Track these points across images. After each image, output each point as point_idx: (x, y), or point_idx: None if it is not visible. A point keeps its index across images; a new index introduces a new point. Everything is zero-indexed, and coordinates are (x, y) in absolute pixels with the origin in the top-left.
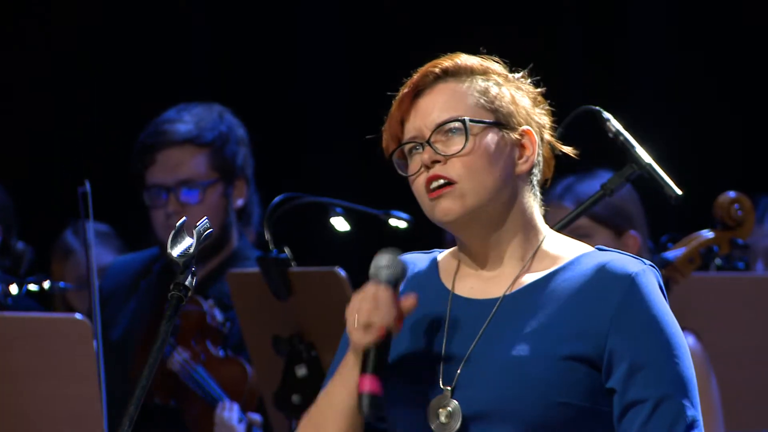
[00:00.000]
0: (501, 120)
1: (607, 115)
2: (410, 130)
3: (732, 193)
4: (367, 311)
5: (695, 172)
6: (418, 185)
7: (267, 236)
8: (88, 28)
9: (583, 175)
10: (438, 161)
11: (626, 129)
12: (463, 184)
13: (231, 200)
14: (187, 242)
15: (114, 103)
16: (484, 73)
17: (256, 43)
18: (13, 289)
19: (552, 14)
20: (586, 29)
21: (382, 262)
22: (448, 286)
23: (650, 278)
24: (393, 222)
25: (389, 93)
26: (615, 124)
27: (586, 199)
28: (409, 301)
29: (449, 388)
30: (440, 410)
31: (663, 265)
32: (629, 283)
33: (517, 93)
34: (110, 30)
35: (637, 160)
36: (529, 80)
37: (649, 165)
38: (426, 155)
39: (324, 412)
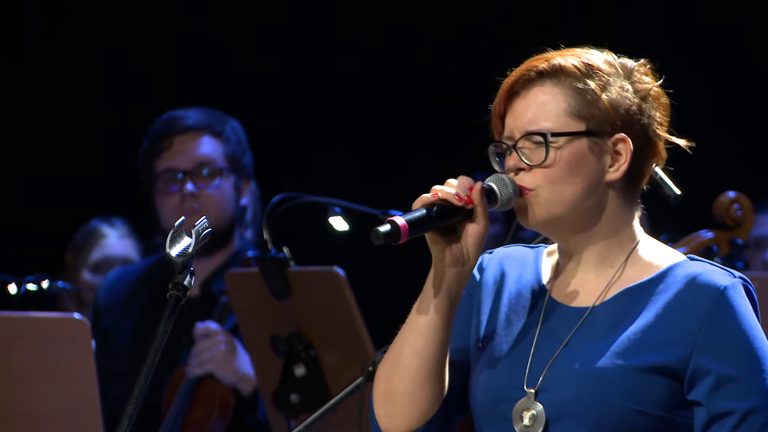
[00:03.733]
0: (592, 128)
1: None
2: (506, 128)
3: (732, 193)
4: (447, 181)
5: (694, 172)
6: None
7: (266, 236)
8: (87, 29)
9: None
10: (522, 169)
11: None
12: (541, 194)
13: (240, 194)
14: (186, 242)
15: (113, 104)
16: (586, 74)
17: (256, 43)
18: (12, 288)
19: (552, 14)
20: (586, 29)
21: (504, 178)
22: (547, 285)
23: (739, 291)
24: None
25: (498, 78)
26: None
27: None
28: (477, 191)
29: (533, 390)
30: (524, 412)
31: None
32: (718, 296)
33: (622, 93)
34: (108, 32)
35: None
36: (647, 68)
37: None
38: (512, 162)
39: (403, 335)
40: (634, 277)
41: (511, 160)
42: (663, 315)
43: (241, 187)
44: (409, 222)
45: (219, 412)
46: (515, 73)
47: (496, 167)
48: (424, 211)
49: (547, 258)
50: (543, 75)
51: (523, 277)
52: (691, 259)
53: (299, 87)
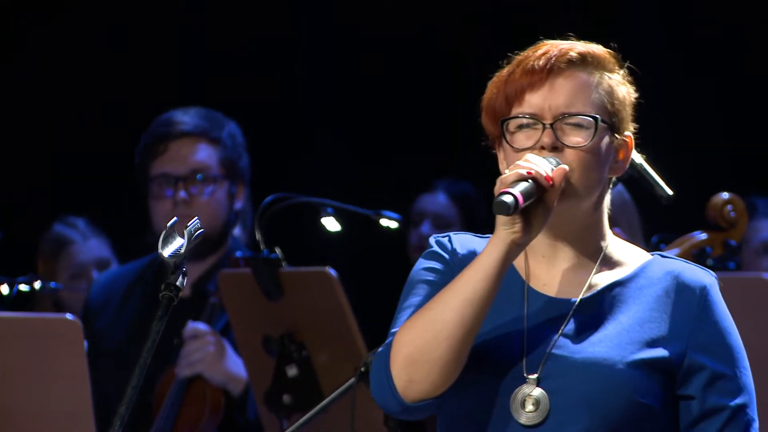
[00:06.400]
0: (615, 124)
1: None
2: (530, 104)
3: (725, 195)
4: (532, 157)
5: (688, 173)
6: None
7: (258, 236)
8: (86, 30)
9: None
10: (557, 148)
11: None
12: (571, 176)
13: (234, 200)
14: (178, 242)
15: (112, 104)
16: (612, 69)
17: (255, 42)
18: (4, 289)
19: (552, 13)
20: (585, 28)
21: (552, 159)
22: (522, 275)
23: (718, 289)
24: (384, 222)
25: (501, 62)
26: None
27: None
28: (561, 173)
29: (534, 376)
30: (526, 399)
31: None
32: (705, 294)
33: (628, 90)
34: (107, 31)
35: None
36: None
37: (641, 165)
38: (547, 139)
39: (446, 303)
40: (613, 272)
41: (546, 138)
42: (655, 311)
43: (235, 192)
44: (522, 194)
45: (210, 412)
46: (548, 51)
47: (510, 140)
48: (526, 184)
49: None
50: (584, 60)
51: None
52: (662, 256)
53: (295, 87)
